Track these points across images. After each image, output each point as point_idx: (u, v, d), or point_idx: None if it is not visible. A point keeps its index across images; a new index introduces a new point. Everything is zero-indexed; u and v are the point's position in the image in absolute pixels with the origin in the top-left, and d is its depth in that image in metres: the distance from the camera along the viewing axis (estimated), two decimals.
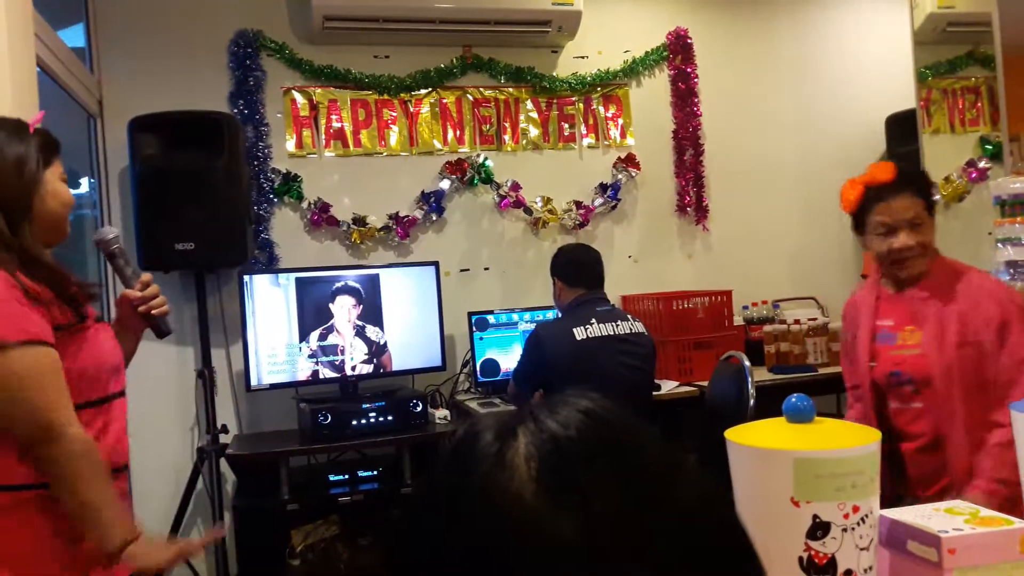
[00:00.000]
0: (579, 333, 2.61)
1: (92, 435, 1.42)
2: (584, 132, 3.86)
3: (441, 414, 3.22)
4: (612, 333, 2.65)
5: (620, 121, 3.90)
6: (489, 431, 0.47)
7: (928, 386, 1.77)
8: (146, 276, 1.67)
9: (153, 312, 1.65)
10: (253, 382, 3.10)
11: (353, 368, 3.22)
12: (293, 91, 3.49)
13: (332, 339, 3.20)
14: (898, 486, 1.85)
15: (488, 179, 3.67)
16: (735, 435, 0.94)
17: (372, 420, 3.03)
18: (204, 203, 2.96)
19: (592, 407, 0.47)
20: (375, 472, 3.13)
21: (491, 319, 3.50)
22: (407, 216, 3.58)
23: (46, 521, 1.38)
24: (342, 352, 3.21)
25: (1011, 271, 2.12)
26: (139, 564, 1.41)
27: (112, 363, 1.52)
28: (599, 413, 0.47)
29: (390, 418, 3.05)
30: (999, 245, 2.16)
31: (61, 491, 1.36)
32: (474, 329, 3.46)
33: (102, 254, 1.69)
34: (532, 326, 3.32)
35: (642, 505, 0.43)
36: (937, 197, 1.81)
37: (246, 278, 3.12)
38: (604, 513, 0.42)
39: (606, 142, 3.88)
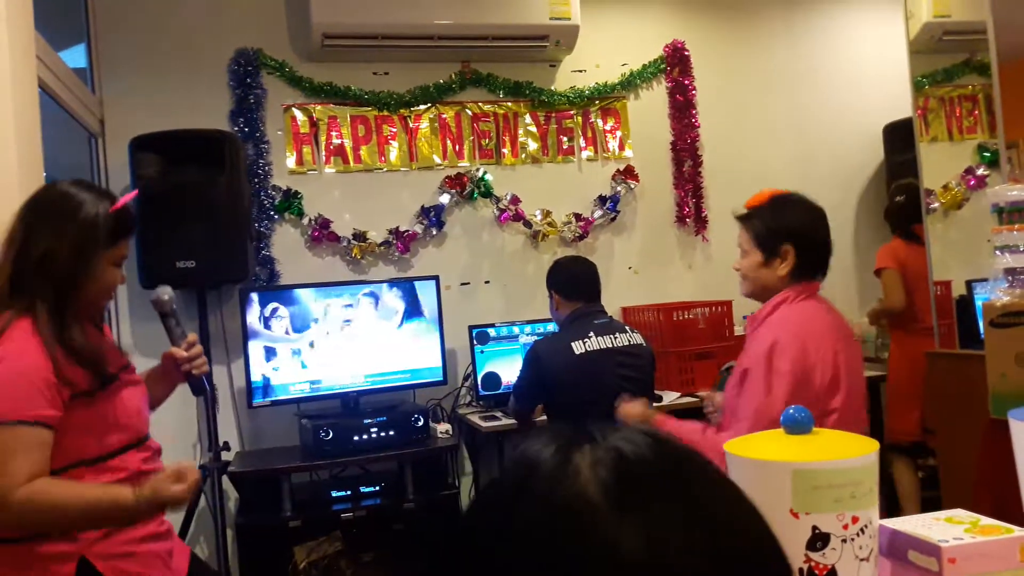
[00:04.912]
0: (578, 347, 2.61)
1: (136, 469, 1.54)
2: (583, 145, 3.87)
3: (443, 428, 3.22)
4: (611, 346, 2.65)
5: (618, 133, 3.92)
6: (551, 444, 0.47)
7: None
8: (191, 336, 1.78)
9: (194, 372, 1.76)
10: (255, 399, 3.11)
11: (354, 383, 3.22)
12: (293, 108, 3.51)
13: (333, 354, 3.20)
14: None
15: (488, 193, 3.68)
16: (734, 447, 0.94)
17: (374, 435, 3.03)
18: (205, 221, 2.97)
19: (652, 431, 0.48)
20: (377, 487, 3.13)
21: (492, 332, 3.50)
22: (407, 231, 3.59)
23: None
24: (343, 367, 3.21)
25: (1009, 278, 2.12)
26: (166, 497, 1.49)
27: (140, 412, 1.65)
28: (660, 435, 0.48)
29: (392, 433, 3.05)
30: (997, 252, 2.16)
31: (59, 529, 1.45)
32: (475, 343, 3.46)
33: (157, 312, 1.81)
34: (533, 339, 3.32)
35: (706, 528, 0.43)
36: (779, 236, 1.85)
37: (247, 294, 3.13)
38: (669, 530, 0.42)
39: (605, 154, 3.90)
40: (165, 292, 1.78)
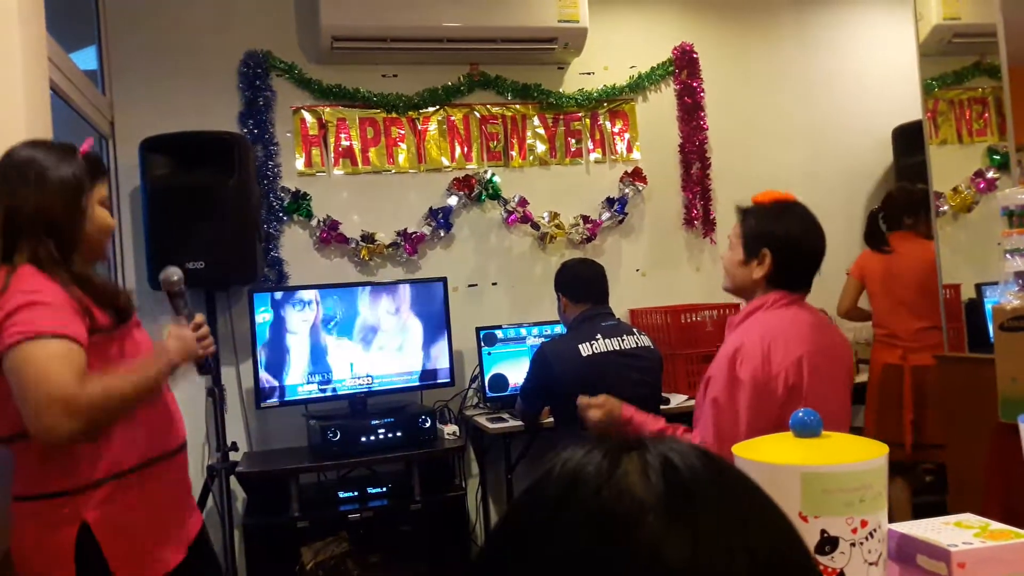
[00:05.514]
0: (585, 349, 2.61)
1: (148, 416, 1.63)
2: (591, 147, 3.87)
3: (450, 430, 3.22)
4: (618, 348, 2.65)
5: (627, 136, 3.92)
6: (599, 449, 0.47)
7: None
8: (199, 317, 1.78)
9: (200, 352, 1.77)
10: (263, 400, 3.12)
11: (362, 385, 3.23)
12: (302, 110, 3.52)
13: (341, 356, 3.21)
14: None
15: (496, 195, 3.69)
16: (743, 450, 0.94)
17: (381, 436, 3.04)
18: (214, 222, 2.98)
19: (698, 446, 0.49)
20: (384, 488, 3.14)
21: (499, 334, 3.50)
22: (415, 232, 3.60)
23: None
24: (351, 368, 3.22)
25: (1019, 282, 2.11)
26: (178, 347, 1.63)
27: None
28: (707, 451, 0.48)
29: (399, 434, 3.06)
30: (1007, 256, 2.15)
31: (121, 412, 1.50)
32: (482, 344, 3.46)
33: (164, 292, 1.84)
34: (540, 341, 3.32)
35: (750, 542, 0.43)
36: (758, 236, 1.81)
37: (256, 296, 3.14)
38: (715, 541, 0.42)
39: (613, 157, 3.90)
40: (175, 273, 1.80)
